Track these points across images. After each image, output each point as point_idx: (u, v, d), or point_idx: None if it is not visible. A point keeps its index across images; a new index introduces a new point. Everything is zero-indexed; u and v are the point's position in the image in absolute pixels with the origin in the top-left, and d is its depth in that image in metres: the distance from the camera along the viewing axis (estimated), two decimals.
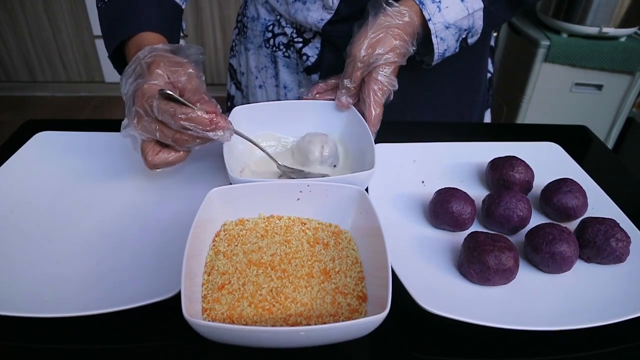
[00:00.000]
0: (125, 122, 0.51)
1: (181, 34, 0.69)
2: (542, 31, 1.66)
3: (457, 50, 0.63)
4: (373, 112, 0.59)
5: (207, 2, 2.37)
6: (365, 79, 0.60)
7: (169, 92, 0.47)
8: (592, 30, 1.55)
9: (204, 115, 0.48)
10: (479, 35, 0.63)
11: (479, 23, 0.61)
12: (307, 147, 0.59)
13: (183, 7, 0.67)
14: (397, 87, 0.60)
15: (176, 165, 0.52)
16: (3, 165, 0.60)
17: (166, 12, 0.62)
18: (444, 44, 0.60)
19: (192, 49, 0.55)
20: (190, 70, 0.51)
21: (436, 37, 0.59)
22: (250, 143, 0.56)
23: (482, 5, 0.59)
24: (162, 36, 0.58)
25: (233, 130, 0.51)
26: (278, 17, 0.76)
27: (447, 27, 0.59)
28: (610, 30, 1.54)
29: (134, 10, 0.58)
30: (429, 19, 0.58)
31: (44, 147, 0.65)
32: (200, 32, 2.46)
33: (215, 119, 0.48)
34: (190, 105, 0.48)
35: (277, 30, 0.77)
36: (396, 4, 0.59)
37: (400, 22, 0.58)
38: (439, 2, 0.58)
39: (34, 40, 2.48)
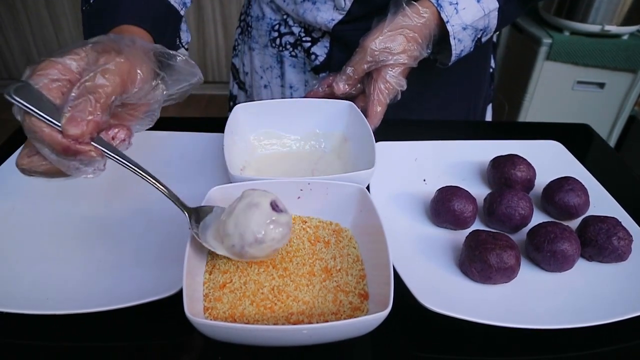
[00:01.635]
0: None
1: (180, 44, 0.60)
2: (544, 29, 1.66)
3: (472, 49, 0.63)
4: (375, 110, 0.59)
5: (208, 1, 2.36)
6: (373, 76, 0.60)
7: (22, 84, 0.36)
8: (595, 28, 1.55)
9: (60, 139, 0.35)
10: (492, 34, 0.63)
11: (493, 22, 0.61)
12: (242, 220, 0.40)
13: (182, 12, 0.59)
14: (405, 87, 0.60)
15: (52, 178, 0.40)
16: (4, 163, 0.61)
17: (156, 9, 0.53)
18: (461, 44, 0.60)
19: (182, 65, 0.42)
20: (120, 60, 0.37)
21: (454, 38, 0.59)
22: (250, 142, 0.56)
23: (497, 5, 0.59)
24: (147, 34, 0.49)
25: (101, 164, 0.39)
26: (285, 17, 0.75)
27: (464, 29, 0.59)
28: (612, 28, 1.53)
29: (115, 3, 0.50)
30: (447, 21, 0.58)
31: None
32: (202, 30, 2.46)
33: (76, 147, 0.36)
34: (51, 121, 0.35)
35: (283, 29, 0.76)
36: (416, 4, 0.58)
37: (418, 24, 0.58)
38: (456, 3, 0.57)
39: (35, 37, 2.48)
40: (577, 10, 1.55)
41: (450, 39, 0.59)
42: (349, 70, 0.60)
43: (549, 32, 1.63)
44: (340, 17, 0.68)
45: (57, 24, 2.44)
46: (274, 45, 0.78)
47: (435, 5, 0.58)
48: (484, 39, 0.62)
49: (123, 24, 0.48)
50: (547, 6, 1.65)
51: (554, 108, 1.74)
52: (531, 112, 1.76)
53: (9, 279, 0.45)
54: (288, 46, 0.77)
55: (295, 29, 0.75)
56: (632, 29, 1.56)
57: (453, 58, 0.62)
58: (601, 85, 1.66)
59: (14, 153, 0.62)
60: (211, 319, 0.40)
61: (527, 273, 0.48)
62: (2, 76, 2.62)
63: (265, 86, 0.83)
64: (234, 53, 0.89)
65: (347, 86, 0.61)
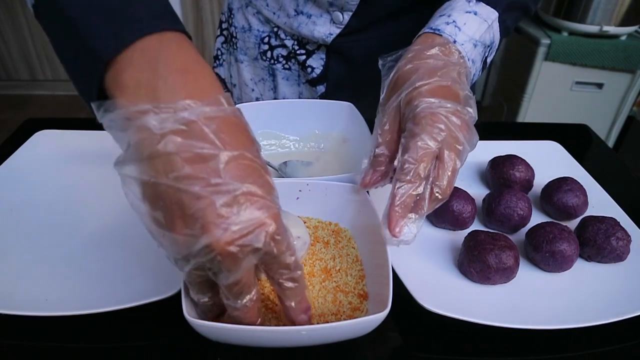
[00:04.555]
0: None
1: None
2: (543, 30, 1.66)
3: (480, 72, 0.53)
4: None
5: (207, 1, 2.36)
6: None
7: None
8: (593, 28, 1.55)
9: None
10: (496, 51, 0.54)
11: (497, 35, 0.53)
12: None
13: None
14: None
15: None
16: (3, 164, 0.61)
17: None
18: (474, 66, 0.50)
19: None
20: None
21: (467, 59, 0.48)
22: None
23: (496, 13, 0.52)
24: (188, 39, 0.33)
25: None
26: (275, 29, 0.71)
27: (475, 46, 0.49)
28: (610, 29, 1.54)
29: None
30: (455, 41, 0.47)
31: (44, 146, 0.65)
32: (201, 31, 2.46)
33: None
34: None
35: (274, 42, 0.72)
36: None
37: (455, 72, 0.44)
38: (454, 21, 0.49)
39: (34, 38, 2.48)
40: (576, 10, 1.55)
41: (464, 58, 0.48)
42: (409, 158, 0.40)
43: (547, 33, 1.63)
44: (338, 30, 0.66)
45: None
46: (264, 58, 0.74)
47: (433, 31, 0.48)
48: (489, 59, 0.54)
49: (156, 31, 0.31)
50: (545, 7, 1.65)
51: (553, 108, 1.74)
52: (530, 112, 1.76)
53: (7, 280, 0.45)
54: (280, 59, 0.73)
55: (288, 42, 0.71)
56: (631, 29, 1.56)
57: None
58: (599, 85, 1.66)
59: (13, 153, 0.62)
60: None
61: (526, 273, 0.48)
62: (1, 77, 2.62)
63: (257, 99, 0.79)
64: (217, 62, 0.83)
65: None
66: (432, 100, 0.41)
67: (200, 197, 0.28)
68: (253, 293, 0.33)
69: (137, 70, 0.30)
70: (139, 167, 0.30)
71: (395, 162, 0.42)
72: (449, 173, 0.40)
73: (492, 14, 0.52)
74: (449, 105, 0.41)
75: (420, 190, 0.39)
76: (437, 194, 0.40)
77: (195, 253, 0.29)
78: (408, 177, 0.39)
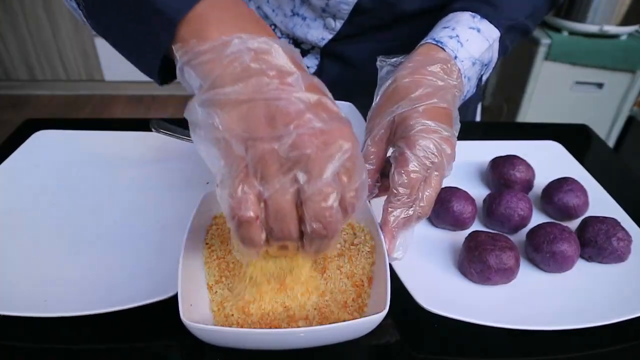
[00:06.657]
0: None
1: None
2: (543, 29, 1.66)
3: (475, 90, 0.54)
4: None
5: None
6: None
7: None
8: (593, 28, 1.55)
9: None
10: (492, 69, 0.55)
11: (495, 55, 0.53)
12: None
13: None
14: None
15: None
16: (2, 165, 0.60)
17: None
18: (469, 84, 0.51)
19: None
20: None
21: (464, 77, 0.49)
22: None
23: (498, 33, 0.52)
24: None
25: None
26: (272, 26, 0.72)
27: (473, 64, 0.50)
28: (611, 29, 1.54)
29: None
30: (456, 57, 0.48)
31: (44, 146, 0.64)
32: None
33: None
34: None
35: None
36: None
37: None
38: (457, 36, 0.49)
39: (33, 38, 2.48)
40: (576, 10, 1.55)
41: (462, 78, 0.49)
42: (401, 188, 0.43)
43: (547, 32, 1.63)
44: (331, 36, 0.66)
45: (54, 26, 2.43)
46: None
47: (435, 43, 0.49)
48: (485, 77, 0.55)
49: None
50: None
51: (553, 108, 1.74)
52: (530, 112, 1.76)
53: (6, 281, 0.45)
54: None
55: (283, 40, 0.71)
56: (631, 29, 1.56)
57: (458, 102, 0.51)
58: (600, 85, 1.66)
59: (12, 153, 0.62)
60: (220, 318, 0.40)
61: (527, 274, 0.47)
62: (0, 78, 2.62)
63: None
64: None
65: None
66: (428, 122, 0.43)
67: (292, 104, 0.31)
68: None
69: (218, 23, 0.33)
70: (234, 88, 0.31)
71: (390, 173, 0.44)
72: (433, 195, 0.43)
73: (494, 33, 0.52)
74: (444, 132, 0.43)
75: (410, 212, 0.43)
76: (419, 213, 0.43)
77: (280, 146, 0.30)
78: (400, 203, 0.42)
